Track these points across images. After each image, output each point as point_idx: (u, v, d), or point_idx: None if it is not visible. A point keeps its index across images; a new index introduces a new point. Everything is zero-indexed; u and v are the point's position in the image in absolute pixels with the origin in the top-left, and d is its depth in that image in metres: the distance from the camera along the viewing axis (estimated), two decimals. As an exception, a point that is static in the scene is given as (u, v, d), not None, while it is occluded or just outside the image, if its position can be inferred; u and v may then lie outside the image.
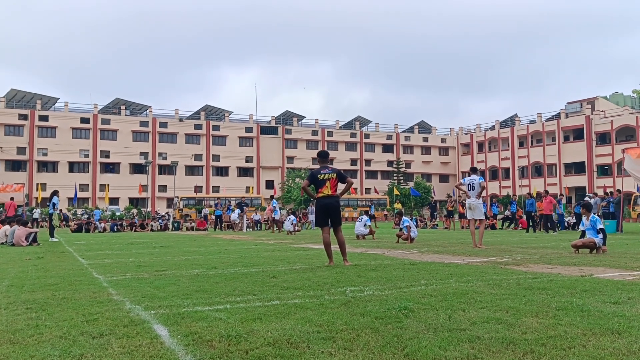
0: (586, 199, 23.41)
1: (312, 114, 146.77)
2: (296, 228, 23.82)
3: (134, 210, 56.79)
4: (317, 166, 8.78)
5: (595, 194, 28.73)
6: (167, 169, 68.82)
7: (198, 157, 72.90)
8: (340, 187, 8.69)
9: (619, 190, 23.53)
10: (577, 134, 68.80)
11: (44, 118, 67.09)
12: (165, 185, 68.99)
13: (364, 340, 3.54)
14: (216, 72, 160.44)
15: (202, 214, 38.30)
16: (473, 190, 12.76)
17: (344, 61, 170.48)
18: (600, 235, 10.57)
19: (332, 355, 3.22)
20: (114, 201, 63.89)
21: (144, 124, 71.16)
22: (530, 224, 23.79)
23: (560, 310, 4.40)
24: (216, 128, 74.17)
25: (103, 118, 69.40)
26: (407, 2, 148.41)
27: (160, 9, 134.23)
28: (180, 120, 73.27)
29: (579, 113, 70.42)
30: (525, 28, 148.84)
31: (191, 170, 72.57)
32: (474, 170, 13.56)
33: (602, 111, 68.50)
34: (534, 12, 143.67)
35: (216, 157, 73.71)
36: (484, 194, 13.55)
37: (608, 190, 32.47)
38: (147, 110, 73.40)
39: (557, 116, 72.79)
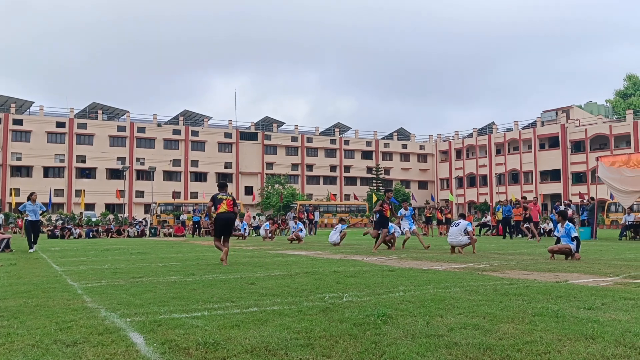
0: (561, 207, 23.74)
1: (298, 122, 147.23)
2: (269, 234, 23.72)
3: (111, 216, 56.06)
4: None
5: (570, 202, 29.21)
6: (145, 175, 68.08)
7: (176, 162, 72.28)
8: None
9: (592, 198, 23.95)
10: (553, 142, 69.93)
11: (18, 122, 65.87)
12: (143, 191, 68.24)
13: (343, 346, 3.54)
14: (199, 79, 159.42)
15: (180, 220, 37.96)
16: (456, 227, 13.13)
17: (330, 71, 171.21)
18: (575, 243, 10.74)
19: (310, 362, 3.21)
20: (90, 207, 62.95)
21: (121, 128, 70.34)
22: (507, 230, 24.05)
23: (536, 316, 4.46)
24: (195, 133, 73.65)
25: (79, 122, 68.41)
26: (392, 16, 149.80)
27: (141, 12, 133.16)
28: (159, 125, 72.61)
29: (554, 121, 71.60)
30: (505, 42, 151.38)
31: (169, 175, 71.92)
32: (462, 216, 14.51)
33: (576, 120, 69.76)
34: (513, 28, 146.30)
35: (195, 163, 73.14)
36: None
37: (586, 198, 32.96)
38: (125, 115, 72.59)
39: (533, 124, 73.91)
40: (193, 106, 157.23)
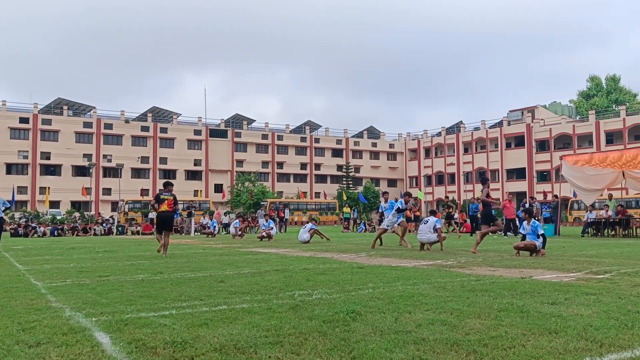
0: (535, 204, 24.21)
1: (269, 120, 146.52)
2: (239, 232, 23.59)
3: (76, 214, 54.94)
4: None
5: (533, 199, 29.82)
6: (112, 172, 66.92)
7: (145, 159, 71.22)
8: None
9: (556, 196, 24.51)
10: (519, 141, 71.32)
11: (-21, 117, 64.00)
12: (110, 188, 67.05)
13: (312, 344, 3.55)
14: (169, 75, 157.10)
15: (149, 218, 37.42)
16: (425, 224, 13.27)
17: (302, 69, 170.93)
18: (541, 240, 10.99)
19: (279, 359, 3.21)
20: (54, 204, 61.57)
21: (87, 124, 68.93)
22: (474, 227, 24.43)
23: (502, 312, 4.54)
24: (164, 130, 72.68)
25: (44, 118, 66.77)
26: (365, 15, 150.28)
27: (110, 4, 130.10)
28: (127, 121, 71.39)
29: (520, 121, 73.03)
30: (474, 42, 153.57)
31: (137, 173, 70.80)
32: (432, 212, 14.50)
33: (541, 119, 71.29)
34: (481, 29, 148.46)
35: (163, 160, 72.20)
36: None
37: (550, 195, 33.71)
38: (91, 111, 71.15)
39: (499, 124, 75.24)
40: (162, 103, 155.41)
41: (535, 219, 11.86)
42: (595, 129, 63.48)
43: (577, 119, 74.26)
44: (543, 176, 67.53)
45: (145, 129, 71.72)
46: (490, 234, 21.35)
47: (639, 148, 22.38)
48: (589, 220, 23.08)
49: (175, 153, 72.64)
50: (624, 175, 22.28)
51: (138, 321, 4.30)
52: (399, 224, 15.17)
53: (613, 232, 21.56)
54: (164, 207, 12.40)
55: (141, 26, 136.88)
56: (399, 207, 14.59)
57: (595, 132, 63.36)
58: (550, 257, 10.42)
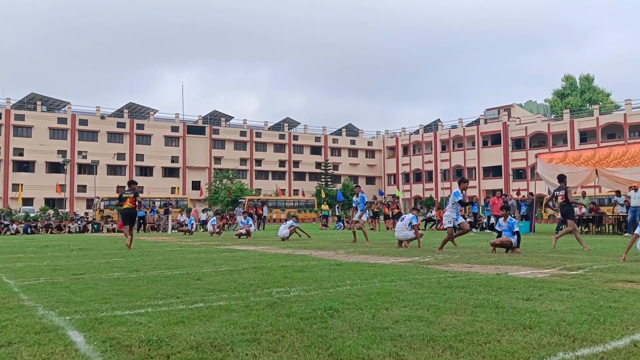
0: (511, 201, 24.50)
1: (248, 117, 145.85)
2: (217, 230, 23.46)
3: (51, 211, 53.99)
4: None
5: (507, 196, 30.21)
6: (87, 168, 65.92)
7: (121, 156, 70.30)
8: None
9: (531, 193, 24.87)
10: (495, 139, 72.18)
11: (-51, 112, 62.46)
12: (85, 185, 66.03)
13: (289, 341, 3.54)
14: (146, 71, 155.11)
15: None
16: (402, 221, 13.43)
17: (282, 67, 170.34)
18: (516, 237, 11.13)
19: (256, 357, 3.19)
20: (28, 201, 60.42)
21: (62, 120, 67.75)
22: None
23: (478, 307, 4.59)
24: (140, 127, 71.83)
25: (17, 114, 65.44)
26: (345, 13, 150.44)
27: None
28: (102, 117, 70.36)
29: (496, 119, 73.90)
30: (452, 42, 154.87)
31: (113, 169, 69.87)
32: (414, 209, 14.50)
33: (517, 118, 72.25)
34: (459, 28, 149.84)
35: (140, 157, 71.37)
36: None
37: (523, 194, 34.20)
38: (66, 107, 69.97)
39: (476, 122, 76.04)
40: (140, 99, 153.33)
41: (512, 216, 12.02)
42: (570, 127, 64.56)
43: (552, 117, 75.42)
44: (519, 174, 68.48)
45: (121, 125, 70.79)
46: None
47: (611, 147, 22.80)
48: (562, 218, 23.44)
49: (152, 150, 71.86)
50: (597, 173, 22.70)
51: (113, 319, 4.24)
52: (459, 225, 12.16)
53: (586, 229, 21.95)
54: (127, 204, 13.85)
55: (119, 22, 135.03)
56: (460, 200, 12.01)
57: (569, 131, 64.45)
58: (525, 254, 10.56)
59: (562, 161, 22.81)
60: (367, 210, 15.94)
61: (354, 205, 16.06)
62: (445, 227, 12.14)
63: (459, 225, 12.11)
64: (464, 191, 12.27)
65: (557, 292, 5.40)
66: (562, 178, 13.09)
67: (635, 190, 19.12)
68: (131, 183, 14.59)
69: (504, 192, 38.06)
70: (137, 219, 33.36)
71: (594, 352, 3.19)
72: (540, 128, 67.79)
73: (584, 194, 24.55)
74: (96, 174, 58.95)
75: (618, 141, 53.91)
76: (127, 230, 14.01)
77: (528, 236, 18.78)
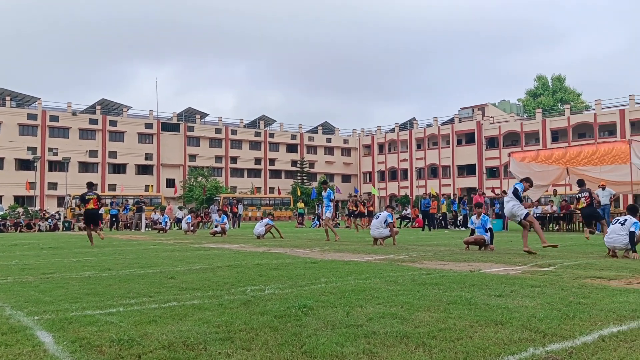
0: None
1: (225, 114, 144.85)
2: (191, 228, 23.26)
3: (20, 209, 52.85)
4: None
5: (502, 192, 30.55)
6: (58, 166, 64.61)
7: (93, 153, 69.11)
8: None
9: (504, 191, 25.20)
10: (469, 138, 73.02)
11: None
12: (56, 183, 64.74)
13: (263, 339, 3.52)
14: (120, 67, 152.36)
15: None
16: (377, 219, 13.51)
17: (259, 64, 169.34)
18: (489, 234, 11.28)
19: (229, 355, 3.17)
20: (-4, 199, 59.07)
21: (32, 116, 66.27)
22: (426, 222, 24.89)
23: (451, 304, 4.63)
24: (113, 123, 70.69)
25: (-16, 109, 63.90)
26: (322, 10, 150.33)
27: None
28: (74, 114, 69.04)
29: (471, 118, 74.75)
30: (427, 41, 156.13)
31: (85, 167, 68.66)
32: (389, 207, 14.60)
33: (491, 117, 73.20)
34: (434, 28, 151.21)
35: (113, 154, 70.25)
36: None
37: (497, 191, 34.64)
38: (36, 103, 68.49)
39: (451, 121, 76.80)
40: (113, 96, 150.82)
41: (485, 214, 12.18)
42: (542, 126, 65.66)
43: (525, 117, 76.57)
44: (492, 172, 69.37)
45: (93, 121, 69.58)
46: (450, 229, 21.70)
47: (582, 146, 23.28)
48: (535, 215, 23.84)
49: (125, 147, 70.80)
50: (568, 171, 23.15)
51: (83, 319, 4.17)
52: (525, 219, 10.32)
53: (557, 227, 22.37)
54: (90, 205, 14.52)
55: (91, 16, 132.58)
56: (517, 193, 10.56)
57: (541, 130, 65.54)
58: (498, 251, 10.72)
59: (534, 160, 23.21)
60: (332, 207, 16.03)
61: (312, 199, 16.23)
62: (527, 218, 10.21)
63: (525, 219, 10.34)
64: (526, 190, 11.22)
65: (529, 289, 5.49)
66: (582, 182, 13.37)
67: (603, 189, 19.54)
68: (91, 184, 15.50)
69: (492, 190, 38.42)
70: (110, 217, 33.18)
71: (564, 347, 3.24)
72: (513, 127, 68.79)
73: (555, 192, 25.01)
74: (67, 172, 57.76)
75: (588, 140, 55.06)
76: (89, 231, 14.70)
77: (501, 234, 19.05)
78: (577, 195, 13.94)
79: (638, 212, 9.36)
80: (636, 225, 9.03)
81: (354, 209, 28.86)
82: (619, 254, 9.19)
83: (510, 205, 10.22)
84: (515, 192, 10.17)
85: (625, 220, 9.09)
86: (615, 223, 9.31)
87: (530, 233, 10.26)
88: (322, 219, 15.95)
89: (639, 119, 58.86)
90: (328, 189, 15.96)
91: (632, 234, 8.89)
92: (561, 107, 71.51)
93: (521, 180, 11.00)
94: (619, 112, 60.05)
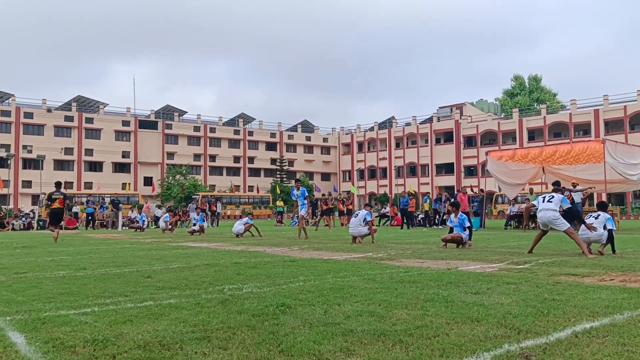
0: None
1: (204, 112, 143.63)
2: (169, 226, 23.05)
3: (-7, 208, 51.82)
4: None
5: (482, 190, 30.86)
6: (33, 163, 63.52)
7: (68, 150, 68.06)
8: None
9: (482, 190, 25.50)
10: (448, 136, 73.66)
11: None
12: (30, 181, 63.62)
13: (240, 338, 3.50)
14: (97, 63, 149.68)
15: (73, 212, 35.87)
16: (356, 217, 13.50)
17: (239, 62, 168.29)
18: (467, 232, 11.40)
19: (206, 355, 3.14)
20: (-32, 198, 57.82)
21: (5, 113, 65.02)
22: (405, 220, 25.04)
23: (428, 302, 4.66)
24: (90, 120, 69.68)
25: (-44, 105, 62.49)
26: (303, 9, 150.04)
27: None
28: (49, 111, 67.90)
29: (449, 117, 75.40)
30: (407, 41, 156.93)
31: (60, 164, 67.59)
32: (367, 205, 14.75)
33: (469, 116, 73.92)
34: (414, 28, 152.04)
35: (89, 152, 69.28)
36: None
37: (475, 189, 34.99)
38: (10, 99, 67.18)
39: (430, 120, 77.37)
40: (91, 93, 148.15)
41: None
42: (519, 126, 66.53)
43: (502, 116, 77.48)
44: (470, 171, 70.10)
45: (69, 118, 68.52)
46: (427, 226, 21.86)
47: (557, 145, 23.65)
48: (511, 214, 24.17)
49: (101, 144, 69.87)
50: (544, 170, 23.51)
51: (57, 319, 4.10)
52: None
53: (534, 225, 22.68)
54: (56, 205, 15.12)
55: (66, 12, 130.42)
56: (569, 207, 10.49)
57: (518, 129, 66.41)
58: (475, 249, 10.83)
59: (511, 159, 23.51)
60: (307, 204, 16.17)
61: (293, 198, 16.23)
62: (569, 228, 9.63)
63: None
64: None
65: (504, 286, 5.55)
66: (558, 183, 13.12)
67: (574, 187, 19.88)
68: (58, 184, 15.88)
69: (457, 189, 38.73)
70: (86, 216, 32.76)
71: (538, 343, 3.29)
72: (490, 126, 69.57)
73: (531, 191, 25.39)
74: (42, 169, 56.86)
75: (563, 140, 55.93)
76: (54, 227, 15.27)
77: (478, 232, 19.26)
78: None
79: (607, 208, 9.64)
80: (610, 220, 9.38)
81: (325, 207, 28.98)
82: (593, 247, 9.37)
83: (550, 215, 9.45)
84: (562, 202, 9.60)
85: (599, 215, 9.44)
86: (589, 218, 9.56)
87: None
88: (300, 218, 15.97)
89: (613, 119, 60.03)
90: (301, 187, 16.03)
91: (610, 232, 9.22)
92: (537, 107, 72.53)
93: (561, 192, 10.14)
94: (593, 112, 61.15)
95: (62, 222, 32.53)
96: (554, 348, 3.18)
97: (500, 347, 3.21)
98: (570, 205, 10.19)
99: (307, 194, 15.95)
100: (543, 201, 9.70)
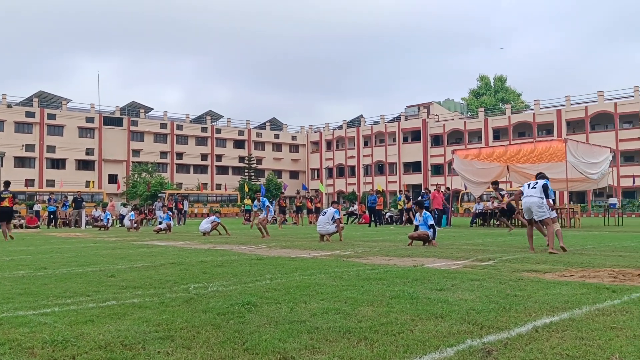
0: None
1: (170, 109, 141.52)
2: (134, 225, 22.67)
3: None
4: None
5: (428, 190, 31.27)
6: (-8, 160, 61.65)
7: (30, 147, 66.21)
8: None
9: (448, 188, 25.85)
10: (415, 135, 74.43)
11: None
12: (-10, 178, 61.76)
13: (204, 337, 3.47)
14: (60, 58, 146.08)
15: (34, 210, 34.95)
16: (324, 215, 13.57)
17: (206, 59, 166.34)
18: (432, 230, 11.53)
19: (169, 354, 3.10)
20: None
21: (-37, 108, 62.95)
22: (372, 218, 25.21)
23: (393, 299, 4.70)
24: (52, 117, 67.94)
25: None
26: (270, 6, 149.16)
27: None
28: (9, 106, 65.91)
29: (416, 116, 76.20)
30: (376, 40, 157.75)
31: (21, 162, 65.73)
32: (334, 203, 14.81)
33: (436, 115, 74.85)
34: (382, 28, 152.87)
35: (51, 149, 67.55)
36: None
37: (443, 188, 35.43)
38: (-32, 94, 65.06)
39: (397, 118, 78.02)
40: (54, 89, 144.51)
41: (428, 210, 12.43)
42: (484, 125, 67.67)
43: (468, 115, 78.71)
44: (437, 169, 71.01)
45: (30, 114, 66.67)
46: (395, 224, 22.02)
47: (521, 144, 24.14)
48: (477, 211, 24.56)
49: (64, 141, 68.18)
50: (508, 169, 23.97)
51: (14, 320, 3.98)
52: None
53: (498, 222, 23.10)
54: (5, 203, 15.76)
55: (29, 5, 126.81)
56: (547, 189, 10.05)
57: (484, 129, 67.54)
58: (441, 246, 10.97)
59: (477, 157, 23.90)
60: (269, 211, 16.66)
61: (254, 209, 16.46)
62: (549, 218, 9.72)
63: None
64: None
65: (469, 282, 5.64)
66: (497, 183, 13.53)
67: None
68: (7, 184, 16.39)
69: (424, 187, 39.18)
70: (48, 214, 31.98)
71: (499, 338, 3.34)
72: (457, 125, 70.57)
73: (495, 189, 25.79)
74: (2, 167, 55.22)
75: (527, 139, 57.16)
76: (4, 227, 15.68)
77: (445, 229, 19.52)
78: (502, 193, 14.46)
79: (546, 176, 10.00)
80: (547, 183, 9.68)
81: (300, 205, 29.01)
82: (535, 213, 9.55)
83: (535, 201, 9.57)
84: (545, 188, 9.68)
85: (537, 183, 9.76)
86: (528, 187, 9.83)
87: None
88: (259, 219, 16.16)
89: (574, 119, 61.59)
90: (261, 197, 16.57)
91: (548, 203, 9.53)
92: (502, 107, 73.84)
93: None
94: (556, 112, 62.63)
95: (23, 221, 31.70)
96: (515, 343, 3.24)
97: (463, 342, 3.25)
98: (552, 197, 10.40)
99: (267, 204, 16.22)
100: (528, 187, 9.96)
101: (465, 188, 36.10)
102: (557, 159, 20.87)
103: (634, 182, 50.82)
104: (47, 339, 3.41)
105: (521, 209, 11.14)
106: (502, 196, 20.79)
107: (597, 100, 60.59)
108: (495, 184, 21.19)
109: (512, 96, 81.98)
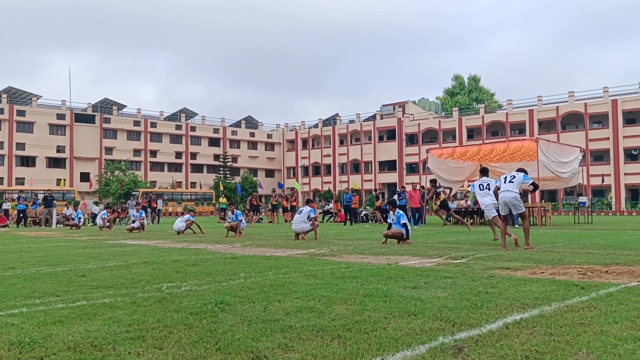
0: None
1: (144, 106, 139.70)
2: (107, 224, 22.33)
3: None
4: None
5: (423, 187, 31.44)
6: (-41, 158, 60.08)
7: (-2, 145, 64.78)
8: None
9: (422, 187, 26.04)
10: (390, 134, 74.88)
11: None
12: (-43, 176, 60.18)
13: (176, 337, 3.43)
14: (33, 55, 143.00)
15: (3, 209, 34.14)
16: (300, 214, 13.59)
17: (180, 56, 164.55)
18: (405, 229, 11.61)
19: (140, 354, 3.06)
20: None
21: None
22: (348, 217, 25.28)
23: (367, 297, 4.72)
24: (21, 113, 66.44)
25: None
26: (245, 3, 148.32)
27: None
28: (-23, 102, 64.32)
29: (392, 115, 76.64)
30: (351, 40, 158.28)
31: (-10, 159, 64.25)
32: (308, 201, 14.85)
33: (411, 114, 75.41)
34: (359, 27, 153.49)
35: (21, 146, 66.08)
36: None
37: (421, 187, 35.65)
38: None
39: (373, 117, 78.38)
40: (20, 84, 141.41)
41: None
42: (458, 124, 68.44)
43: (443, 115, 79.47)
44: (412, 168, 71.53)
45: (-1, 111, 65.18)
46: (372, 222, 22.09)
47: (494, 143, 24.47)
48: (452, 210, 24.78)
49: (34, 138, 66.77)
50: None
51: (-20, 322, 3.88)
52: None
53: (471, 221, 23.37)
54: None
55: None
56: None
57: (458, 128, 68.30)
58: (415, 244, 11.05)
59: (451, 156, 24.16)
60: (242, 224, 16.60)
61: (229, 221, 16.37)
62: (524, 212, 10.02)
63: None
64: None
65: (442, 280, 5.69)
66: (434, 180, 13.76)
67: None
68: None
69: (400, 186, 39.42)
70: (17, 213, 31.29)
71: (471, 335, 3.38)
72: (431, 124, 71.21)
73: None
74: (-30, 164, 53.94)
75: (500, 138, 57.99)
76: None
77: (419, 227, 19.68)
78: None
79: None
80: (526, 176, 9.90)
81: (275, 203, 28.95)
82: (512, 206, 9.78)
83: (512, 195, 9.68)
84: (520, 182, 9.78)
85: (514, 177, 9.89)
86: (505, 182, 9.97)
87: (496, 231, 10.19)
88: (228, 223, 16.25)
89: (546, 119, 62.70)
90: (235, 210, 16.49)
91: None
92: (476, 106, 74.76)
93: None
94: (528, 112, 63.66)
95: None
96: (486, 339, 3.28)
97: (435, 339, 3.28)
98: (532, 181, 10.59)
99: (241, 217, 16.26)
100: (505, 182, 10.05)
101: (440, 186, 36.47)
102: (529, 158, 21.22)
103: (602, 181, 52.03)
104: (14, 340, 3.33)
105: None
106: (438, 194, 21.24)
107: (568, 100, 61.77)
108: (433, 181, 21.89)
109: (485, 96, 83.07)
